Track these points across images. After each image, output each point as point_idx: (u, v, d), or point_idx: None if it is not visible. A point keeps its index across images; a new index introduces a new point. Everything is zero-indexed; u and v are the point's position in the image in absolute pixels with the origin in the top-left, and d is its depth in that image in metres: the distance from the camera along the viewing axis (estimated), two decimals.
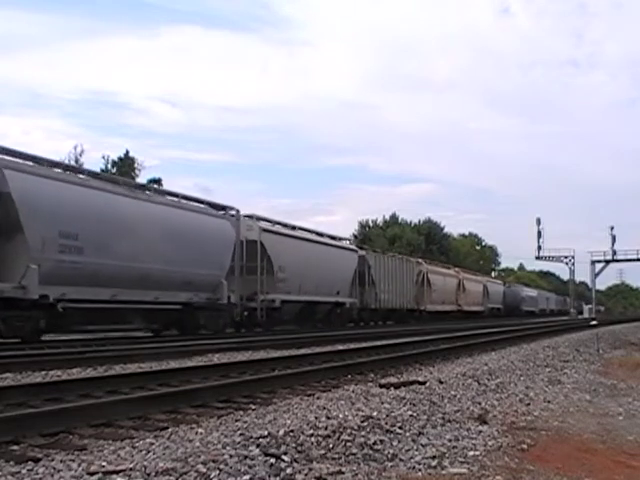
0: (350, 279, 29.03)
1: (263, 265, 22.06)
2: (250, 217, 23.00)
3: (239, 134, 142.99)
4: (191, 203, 19.92)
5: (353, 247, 31.14)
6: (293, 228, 25.74)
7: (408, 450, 4.48)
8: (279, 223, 24.99)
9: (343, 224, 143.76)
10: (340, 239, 30.11)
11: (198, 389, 6.75)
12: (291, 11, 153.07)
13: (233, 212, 21.57)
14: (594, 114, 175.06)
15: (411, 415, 5.54)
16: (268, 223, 24.03)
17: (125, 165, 43.66)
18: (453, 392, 7.11)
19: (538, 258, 70.04)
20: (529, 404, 6.90)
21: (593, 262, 67.91)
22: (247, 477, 3.53)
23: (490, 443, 4.84)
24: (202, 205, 20.31)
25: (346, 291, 28.57)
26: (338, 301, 27.71)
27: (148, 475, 3.44)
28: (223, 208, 21.32)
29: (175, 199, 19.33)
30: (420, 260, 41.10)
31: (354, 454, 4.25)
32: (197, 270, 18.42)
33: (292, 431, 4.54)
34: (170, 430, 4.85)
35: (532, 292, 73.12)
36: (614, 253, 67.00)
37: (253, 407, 6.02)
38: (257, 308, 21.68)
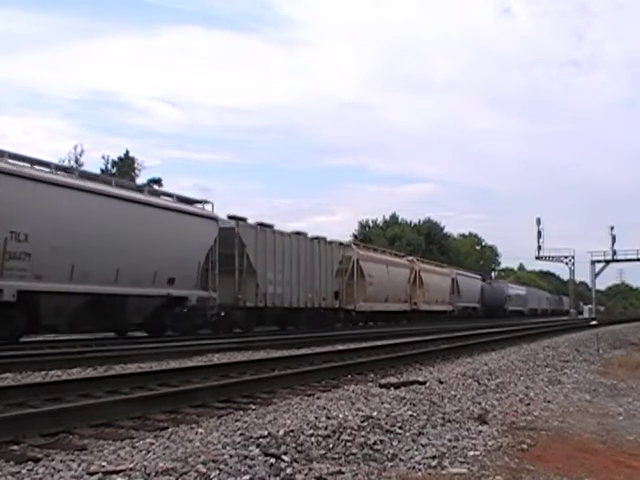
0: (200, 262, 18.90)
1: None
2: None
3: (239, 134, 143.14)
4: None
5: (209, 213, 19.84)
6: (66, 170, 16.31)
7: (408, 450, 4.49)
8: (25, 158, 14.52)
9: (343, 224, 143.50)
10: (181, 199, 19.24)
11: (198, 389, 6.75)
12: (291, 11, 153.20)
13: None
14: (594, 114, 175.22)
15: (411, 415, 5.54)
16: None
17: (125, 165, 43.69)
18: (453, 392, 7.12)
19: (538, 258, 70.05)
20: (529, 404, 6.90)
21: (593, 262, 67.91)
22: (247, 477, 3.53)
23: (490, 443, 4.84)
24: None
25: (191, 280, 18.59)
26: (172, 294, 17.66)
27: (148, 475, 3.44)
28: None
29: None
30: (348, 242, 31.15)
31: (354, 454, 4.25)
32: None
33: (292, 431, 4.54)
34: (170, 430, 4.85)
35: (520, 289, 66.86)
36: (614, 253, 67.02)
37: (253, 407, 6.02)
38: None
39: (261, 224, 22.94)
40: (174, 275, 17.87)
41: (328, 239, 27.52)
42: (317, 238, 26.56)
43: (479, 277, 53.15)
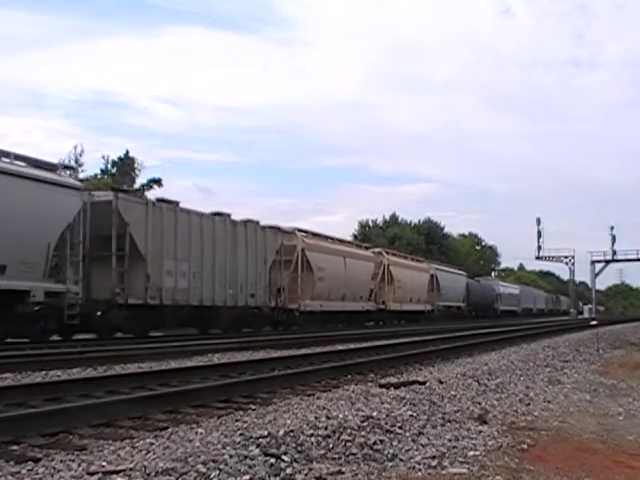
0: (50, 245, 14.13)
1: None
2: None
3: (240, 134, 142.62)
4: None
5: (67, 181, 15.09)
6: None
7: (408, 450, 4.49)
8: None
9: (343, 224, 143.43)
10: (26, 160, 14.38)
11: (198, 389, 6.76)
12: (292, 11, 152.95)
13: None
14: (595, 114, 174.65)
15: (411, 415, 5.54)
16: None
17: (125, 165, 43.70)
18: (453, 392, 7.12)
19: (538, 258, 70.19)
20: (529, 404, 6.91)
21: (593, 262, 67.98)
22: (247, 477, 3.53)
23: (490, 443, 4.84)
24: None
25: (36, 268, 13.79)
26: None
27: (148, 475, 3.44)
28: None
29: None
30: (292, 229, 25.14)
31: (354, 454, 4.25)
32: None
33: (292, 431, 4.54)
34: (170, 430, 4.85)
35: (512, 288, 63.52)
36: (614, 253, 67.11)
37: (253, 407, 6.03)
38: None
39: (160, 200, 18.43)
40: (4, 261, 13.13)
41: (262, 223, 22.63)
42: (247, 221, 21.58)
43: (464, 273, 48.15)
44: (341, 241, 30.07)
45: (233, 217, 20.86)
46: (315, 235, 26.99)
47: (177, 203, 18.66)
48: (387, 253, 33.94)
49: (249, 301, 21.10)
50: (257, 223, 22.10)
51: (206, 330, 19.57)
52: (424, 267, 38.61)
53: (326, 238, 28.08)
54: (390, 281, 32.30)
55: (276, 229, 23.34)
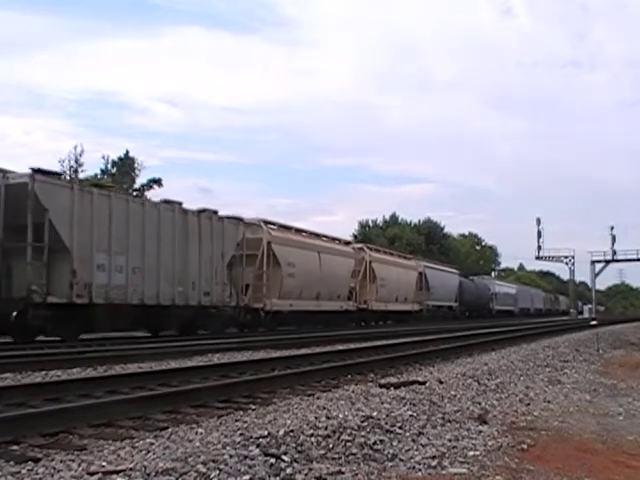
0: None
1: None
2: None
3: (240, 134, 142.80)
4: None
5: None
6: None
7: (408, 450, 4.48)
8: None
9: (343, 224, 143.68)
10: None
11: (198, 389, 6.75)
12: (292, 12, 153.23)
13: None
14: (595, 114, 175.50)
15: (411, 415, 5.54)
16: None
17: (125, 165, 43.71)
18: (453, 392, 7.12)
19: (538, 258, 70.10)
20: (529, 404, 6.91)
21: (593, 262, 67.94)
22: (247, 477, 3.53)
23: (490, 443, 4.84)
24: None
25: None
26: None
27: (148, 475, 3.44)
28: None
29: None
30: (256, 220, 22.72)
31: (354, 454, 4.25)
32: None
33: (292, 431, 4.54)
34: (170, 430, 4.85)
35: (509, 287, 62.36)
36: (614, 253, 67.04)
37: (253, 407, 6.03)
38: None
39: (92, 184, 16.27)
40: None
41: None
42: (202, 211, 19.15)
43: (456, 272, 45.51)
44: (316, 235, 27.00)
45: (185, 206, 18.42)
46: (284, 227, 24.51)
47: (110, 187, 16.34)
48: (369, 249, 31.87)
49: (203, 300, 18.68)
50: (214, 213, 19.66)
51: (157, 332, 17.84)
52: (411, 264, 36.50)
53: (298, 231, 25.57)
54: (373, 279, 30.12)
55: (237, 220, 20.94)
